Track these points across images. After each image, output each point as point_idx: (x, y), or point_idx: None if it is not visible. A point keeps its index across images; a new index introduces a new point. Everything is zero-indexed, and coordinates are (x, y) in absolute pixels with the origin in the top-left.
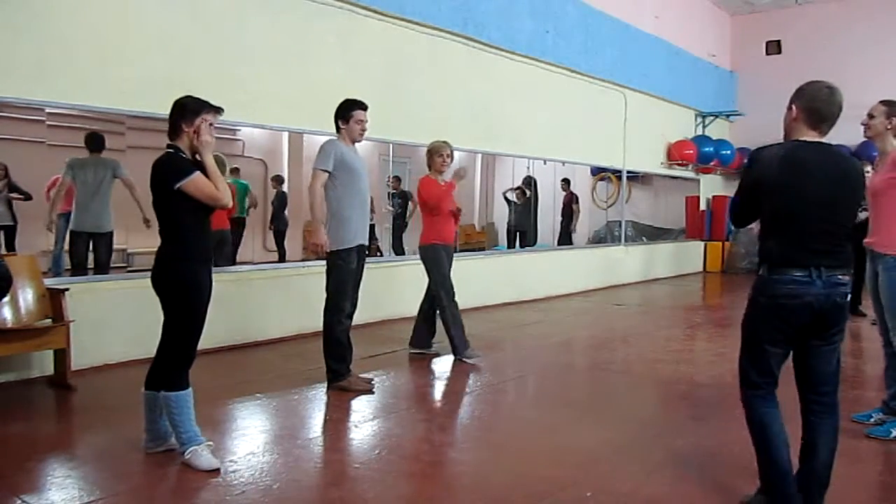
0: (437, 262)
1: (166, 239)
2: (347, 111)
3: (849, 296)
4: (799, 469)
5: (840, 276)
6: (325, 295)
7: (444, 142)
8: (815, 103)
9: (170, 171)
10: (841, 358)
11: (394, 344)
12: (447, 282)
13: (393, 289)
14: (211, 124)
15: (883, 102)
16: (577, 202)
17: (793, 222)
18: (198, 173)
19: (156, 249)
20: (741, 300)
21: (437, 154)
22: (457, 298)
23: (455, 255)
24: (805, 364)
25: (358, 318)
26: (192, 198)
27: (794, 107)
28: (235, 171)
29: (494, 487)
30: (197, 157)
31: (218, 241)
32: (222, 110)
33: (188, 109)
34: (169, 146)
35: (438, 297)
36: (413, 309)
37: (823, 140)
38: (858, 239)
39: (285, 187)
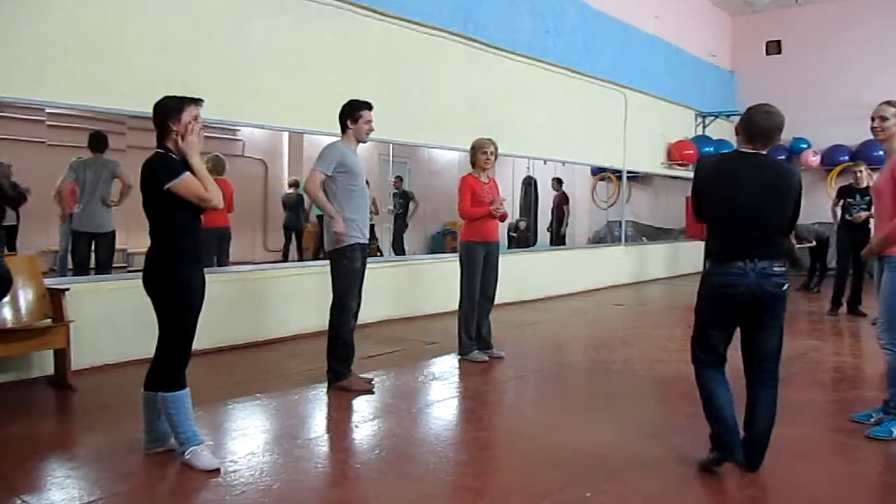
0: (469, 263)
1: (157, 240)
2: (356, 111)
3: (785, 286)
4: (743, 436)
5: (772, 266)
6: (325, 295)
7: (489, 139)
8: (752, 119)
9: (159, 171)
10: (783, 339)
11: (394, 344)
12: (473, 286)
13: (393, 289)
14: (196, 117)
15: (890, 104)
16: (567, 203)
17: (727, 224)
18: (188, 174)
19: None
20: None
21: (480, 151)
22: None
23: (455, 254)
24: (748, 344)
25: (359, 318)
26: (183, 198)
27: (738, 125)
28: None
29: (494, 487)
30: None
31: (219, 238)
32: (203, 101)
33: (171, 108)
34: (159, 147)
35: (460, 296)
36: (412, 309)
37: (761, 152)
38: (858, 239)
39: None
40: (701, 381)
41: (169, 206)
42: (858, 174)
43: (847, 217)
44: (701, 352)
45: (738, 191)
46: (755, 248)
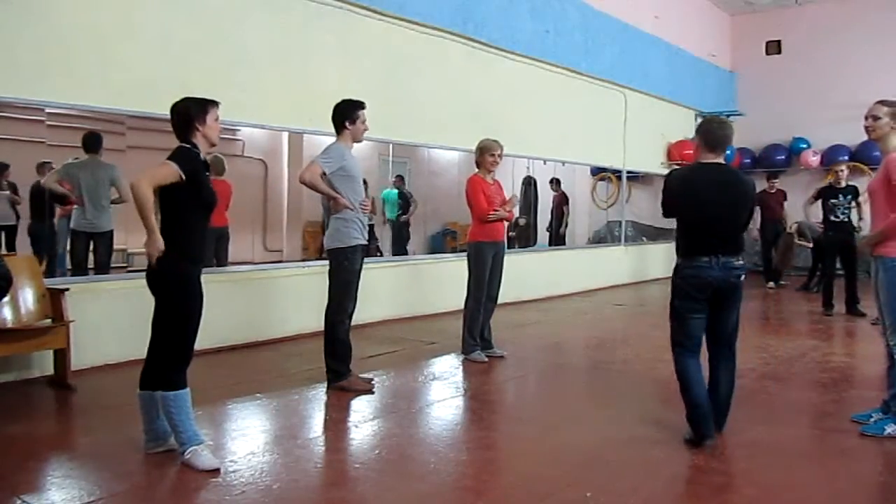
0: (477, 263)
1: (165, 236)
2: (354, 112)
3: (742, 277)
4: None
5: (733, 261)
6: (325, 295)
7: (495, 140)
8: (710, 132)
9: (173, 154)
10: (739, 320)
11: (394, 344)
12: (481, 287)
13: (393, 289)
14: (217, 118)
15: (884, 103)
16: (567, 203)
17: (695, 225)
18: (176, 166)
19: None
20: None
21: (488, 152)
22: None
23: (455, 254)
24: (712, 324)
25: (358, 318)
26: (194, 196)
27: (696, 138)
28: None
29: (494, 487)
30: (206, 156)
31: (217, 238)
32: (220, 103)
33: (198, 110)
34: (184, 141)
35: (467, 296)
36: (412, 309)
37: (719, 161)
38: (844, 239)
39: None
40: (679, 367)
41: (181, 201)
42: (840, 173)
43: (832, 218)
44: (683, 337)
45: (706, 199)
46: (719, 246)
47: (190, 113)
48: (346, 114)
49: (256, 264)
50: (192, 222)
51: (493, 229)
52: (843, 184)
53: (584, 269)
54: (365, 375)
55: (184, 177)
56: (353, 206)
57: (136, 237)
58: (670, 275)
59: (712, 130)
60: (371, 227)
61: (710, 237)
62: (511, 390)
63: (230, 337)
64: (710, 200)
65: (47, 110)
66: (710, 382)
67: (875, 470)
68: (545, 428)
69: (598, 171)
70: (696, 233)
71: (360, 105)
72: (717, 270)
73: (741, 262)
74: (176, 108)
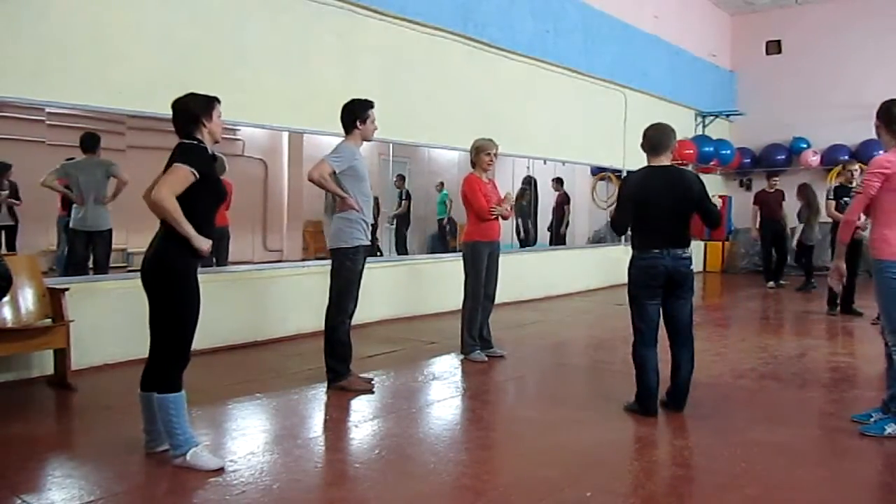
0: (473, 263)
1: (170, 230)
2: (364, 111)
3: (691, 266)
4: (669, 386)
5: (680, 252)
6: (325, 295)
7: (490, 139)
8: (646, 138)
9: (183, 152)
10: (693, 311)
11: (394, 344)
12: (478, 286)
13: (393, 289)
14: (220, 115)
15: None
16: (568, 202)
17: (648, 222)
18: (188, 169)
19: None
20: (741, 300)
21: (483, 152)
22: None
23: (455, 254)
24: (669, 314)
25: (358, 318)
26: (207, 192)
27: (641, 143)
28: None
29: (494, 487)
30: (214, 152)
31: (217, 238)
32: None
33: (205, 107)
34: (190, 137)
35: (465, 296)
36: (412, 309)
37: (666, 163)
38: (850, 239)
39: (284, 186)
40: (637, 354)
41: (192, 195)
42: (854, 172)
43: None
44: (640, 322)
45: (654, 197)
46: (670, 238)
47: (197, 109)
48: (357, 113)
49: (256, 264)
50: (202, 216)
51: (489, 228)
52: (855, 184)
53: (584, 269)
54: (365, 375)
55: (197, 176)
56: (359, 206)
57: (135, 237)
58: None
59: (648, 136)
60: (373, 227)
61: (659, 232)
62: (511, 390)
63: (230, 337)
64: (656, 200)
65: (47, 110)
66: (672, 366)
67: (875, 470)
68: (545, 428)
69: (598, 171)
70: (649, 229)
71: (369, 104)
72: (669, 260)
73: (688, 254)
74: (180, 105)
